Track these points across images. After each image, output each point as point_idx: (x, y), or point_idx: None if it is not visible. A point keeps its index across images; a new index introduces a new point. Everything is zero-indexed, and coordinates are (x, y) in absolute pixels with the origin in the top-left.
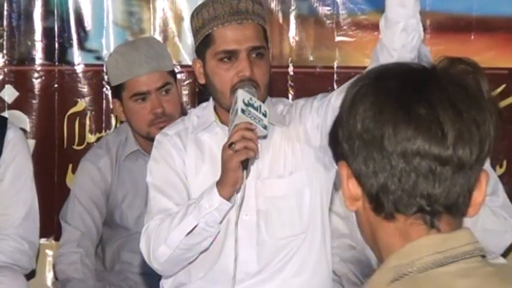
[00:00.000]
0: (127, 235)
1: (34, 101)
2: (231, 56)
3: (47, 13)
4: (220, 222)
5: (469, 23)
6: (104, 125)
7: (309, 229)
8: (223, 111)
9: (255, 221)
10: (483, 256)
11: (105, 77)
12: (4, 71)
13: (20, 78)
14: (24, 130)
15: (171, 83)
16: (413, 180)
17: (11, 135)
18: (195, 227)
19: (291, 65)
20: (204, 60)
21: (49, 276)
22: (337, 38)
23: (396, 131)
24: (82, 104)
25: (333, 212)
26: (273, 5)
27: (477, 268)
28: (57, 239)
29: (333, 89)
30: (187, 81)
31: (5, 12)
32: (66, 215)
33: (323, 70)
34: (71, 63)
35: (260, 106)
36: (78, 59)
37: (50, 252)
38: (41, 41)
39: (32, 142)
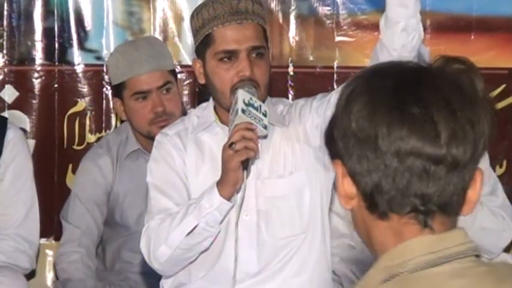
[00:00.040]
0: (127, 234)
1: (34, 101)
2: (231, 55)
3: (47, 13)
4: (221, 222)
5: (469, 23)
6: (104, 125)
7: (309, 229)
8: (223, 111)
9: (255, 221)
10: (477, 256)
11: (105, 77)
12: (4, 71)
13: (20, 78)
14: (24, 130)
15: (172, 82)
16: (407, 179)
17: (11, 135)
18: (196, 227)
19: (291, 65)
20: (204, 60)
21: (49, 276)
22: (337, 38)
23: (390, 130)
24: (82, 104)
25: (333, 212)
26: (273, 5)
27: (471, 268)
28: (57, 239)
29: (333, 89)
30: (187, 81)
31: (5, 12)
32: (67, 214)
33: (323, 70)
34: (71, 63)
35: (260, 106)
36: (78, 59)
37: (50, 252)
38: (41, 41)
39: (32, 142)
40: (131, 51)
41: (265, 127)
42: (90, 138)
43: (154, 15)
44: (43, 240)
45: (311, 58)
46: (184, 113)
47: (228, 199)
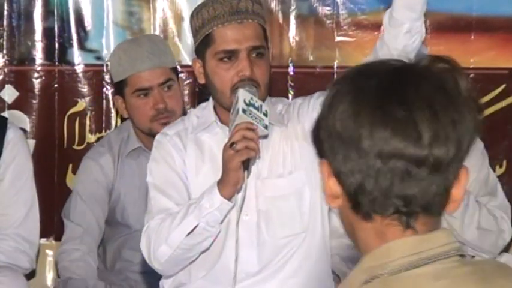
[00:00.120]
0: (128, 233)
1: (34, 101)
2: (231, 55)
3: (47, 13)
4: (221, 222)
5: (469, 23)
6: (104, 125)
7: (309, 228)
8: (223, 111)
9: (255, 221)
10: (463, 255)
11: (105, 77)
12: (4, 71)
13: (20, 78)
14: (24, 130)
15: (174, 79)
16: (390, 180)
17: (11, 135)
18: (196, 226)
19: (291, 65)
20: (204, 60)
21: (49, 276)
22: (337, 38)
23: (373, 131)
24: (82, 104)
25: (333, 211)
26: (273, 5)
27: (454, 268)
28: (57, 239)
29: None
30: (187, 81)
31: (5, 12)
32: (68, 213)
33: (323, 70)
34: (71, 63)
35: (261, 106)
36: (78, 59)
37: (50, 252)
38: (41, 41)
39: (32, 142)
40: (133, 48)
41: (266, 127)
42: (90, 138)
43: (154, 15)
44: (43, 240)
45: (311, 58)
46: (184, 113)
47: (229, 199)
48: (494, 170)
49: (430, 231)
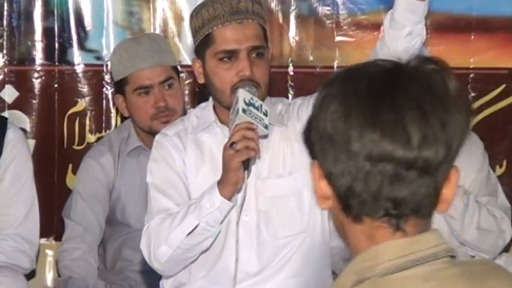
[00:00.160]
0: (128, 232)
1: (34, 101)
2: (231, 55)
3: (47, 13)
4: (221, 222)
5: (469, 23)
6: (104, 125)
7: (309, 228)
8: (223, 111)
9: (255, 222)
10: (453, 257)
11: (105, 77)
12: (4, 71)
13: (20, 78)
14: (24, 130)
15: (174, 77)
16: (379, 183)
17: (11, 135)
18: (196, 226)
19: (291, 65)
20: (204, 60)
21: (49, 276)
22: (337, 38)
23: (362, 133)
24: (82, 104)
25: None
26: (273, 5)
27: (443, 270)
28: (57, 239)
29: None
30: (187, 81)
31: (5, 12)
32: (69, 212)
33: (323, 70)
34: (71, 63)
35: (261, 106)
36: (78, 59)
37: (50, 252)
38: (41, 41)
39: (32, 142)
40: (134, 46)
41: (266, 127)
42: (90, 138)
43: (154, 15)
44: (43, 240)
45: (311, 58)
46: (184, 112)
47: (229, 199)
48: (494, 170)
49: (419, 233)
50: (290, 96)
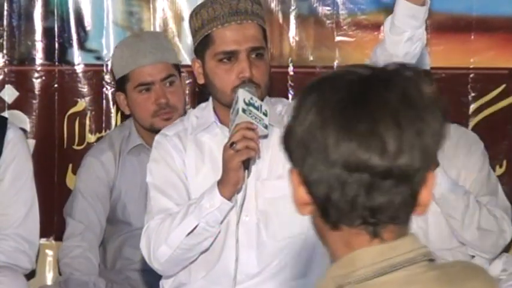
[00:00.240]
0: (129, 231)
1: (34, 101)
2: (230, 56)
3: (47, 13)
4: (221, 222)
5: (469, 23)
6: (104, 125)
7: (309, 229)
8: (223, 111)
9: (255, 222)
10: (431, 260)
11: (105, 77)
12: (4, 71)
13: (20, 78)
14: (24, 130)
15: (176, 75)
16: (355, 192)
17: (11, 135)
18: (196, 227)
19: (291, 65)
20: (203, 61)
21: (49, 276)
22: (337, 38)
23: (339, 143)
24: (82, 104)
25: None
26: (273, 5)
27: (419, 274)
28: (57, 239)
29: None
30: (188, 81)
31: (5, 12)
32: (69, 210)
33: (323, 70)
34: (71, 63)
35: (261, 106)
36: (78, 59)
37: (50, 252)
38: (41, 41)
39: (32, 142)
40: (136, 43)
41: (266, 127)
42: (90, 138)
43: (154, 15)
44: (43, 240)
45: (311, 58)
46: (184, 112)
47: (229, 199)
48: (494, 170)
49: (397, 238)
50: (290, 96)
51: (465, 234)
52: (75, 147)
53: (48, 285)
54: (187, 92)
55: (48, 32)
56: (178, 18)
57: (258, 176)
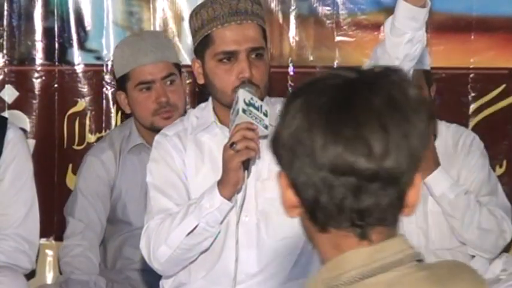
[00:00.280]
0: (129, 230)
1: (34, 101)
2: (230, 56)
3: (47, 13)
4: (221, 222)
5: (469, 23)
6: (104, 125)
7: None
8: (223, 111)
9: (255, 222)
10: (420, 260)
11: (105, 77)
12: (4, 71)
13: (20, 78)
14: (24, 130)
15: (176, 74)
16: (342, 195)
17: (11, 135)
18: (196, 227)
19: (291, 65)
20: (203, 61)
21: (49, 276)
22: (337, 38)
23: (326, 147)
24: (82, 104)
25: None
26: (273, 5)
27: (407, 275)
28: (57, 239)
29: None
30: (188, 81)
31: (5, 12)
32: (70, 209)
33: (323, 70)
34: (71, 63)
35: (261, 106)
36: (78, 59)
37: (50, 252)
38: (41, 41)
39: (32, 142)
40: (136, 42)
41: (266, 127)
42: (90, 138)
43: (154, 15)
44: (43, 240)
45: (311, 58)
46: (184, 112)
47: (229, 199)
48: (494, 170)
49: (385, 239)
50: None
51: (465, 234)
52: (75, 147)
53: (48, 284)
54: (187, 92)
55: (48, 32)
56: (178, 18)
57: (258, 176)
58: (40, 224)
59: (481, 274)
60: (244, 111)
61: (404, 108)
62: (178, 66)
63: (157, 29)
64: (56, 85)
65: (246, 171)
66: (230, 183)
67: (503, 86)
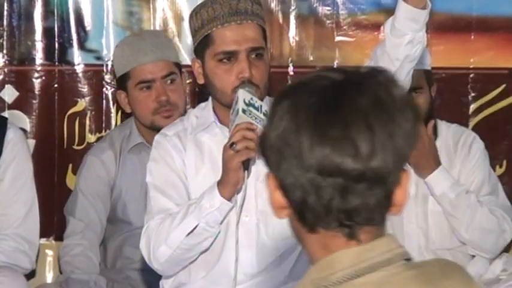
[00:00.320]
0: (129, 230)
1: (34, 101)
2: (230, 56)
3: (47, 13)
4: (221, 222)
5: (469, 23)
6: (104, 125)
7: None
8: (223, 111)
9: (255, 223)
10: (408, 259)
11: (106, 77)
12: (4, 71)
13: (20, 78)
14: (24, 130)
15: (176, 73)
16: (330, 196)
17: (11, 135)
18: (196, 227)
19: (291, 65)
20: (203, 61)
21: (49, 276)
22: (337, 38)
23: (313, 148)
24: (82, 104)
25: None
26: (273, 5)
27: (396, 274)
28: (57, 239)
29: None
30: (188, 81)
31: (5, 12)
32: (70, 208)
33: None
34: (71, 63)
35: (261, 106)
36: (78, 59)
37: (50, 252)
38: (41, 41)
39: (32, 142)
40: (136, 41)
41: None
42: (90, 138)
43: (154, 15)
44: (43, 240)
45: (311, 58)
46: (184, 112)
47: (229, 199)
48: (494, 170)
49: (374, 239)
50: None
51: (466, 233)
52: (75, 147)
53: (48, 283)
54: (187, 92)
55: (48, 32)
56: (178, 18)
57: (258, 177)
58: (40, 224)
59: (481, 274)
60: (244, 111)
61: (390, 108)
62: (178, 65)
63: (157, 29)
64: (56, 85)
65: (246, 172)
66: (230, 183)
67: (503, 86)
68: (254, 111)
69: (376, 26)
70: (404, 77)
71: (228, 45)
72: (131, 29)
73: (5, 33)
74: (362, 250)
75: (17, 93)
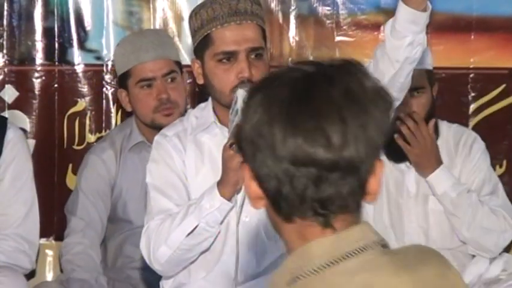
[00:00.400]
0: (129, 229)
1: (34, 101)
2: (230, 57)
3: (47, 13)
4: (221, 222)
5: (469, 23)
6: (104, 125)
7: None
8: (222, 111)
9: (255, 223)
10: (384, 246)
11: (105, 77)
12: (4, 71)
13: (20, 78)
14: (24, 130)
15: (177, 71)
16: (304, 185)
17: (11, 135)
18: (196, 227)
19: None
20: (203, 61)
21: (49, 276)
22: (337, 38)
23: (286, 139)
24: (82, 104)
25: None
26: (273, 5)
27: (372, 261)
28: (57, 239)
29: None
30: (188, 81)
31: (5, 12)
32: (70, 207)
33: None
34: (71, 63)
35: None
36: (78, 59)
37: (50, 252)
38: (41, 41)
39: (32, 142)
40: (138, 39)
41: None
42: (90, 138)
43: (154, 15)
44: (43, 240)
45: (311, 58)
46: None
47: (229, 199)
48: (494, 170)
49: (348, 227)
50: None
51: (467, 232)
52: (75, 147)
53: (49, 281)
54: (187, 92)
55: (48, 32)
56: (178, 18)
57: None
58: (40, 224)
59: (481, 274)
60: None
61: (362, 99)
62: (179, 63)
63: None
64: (56, 85)
65: None
66: (230, 183)
67: (503, 86)
68: None
69: (376, 26)
70: (404, 79)
71: (227, 45)
72: (131, 29)
73: (5, 33)
74: (337, 238)
75: (17, 93)
